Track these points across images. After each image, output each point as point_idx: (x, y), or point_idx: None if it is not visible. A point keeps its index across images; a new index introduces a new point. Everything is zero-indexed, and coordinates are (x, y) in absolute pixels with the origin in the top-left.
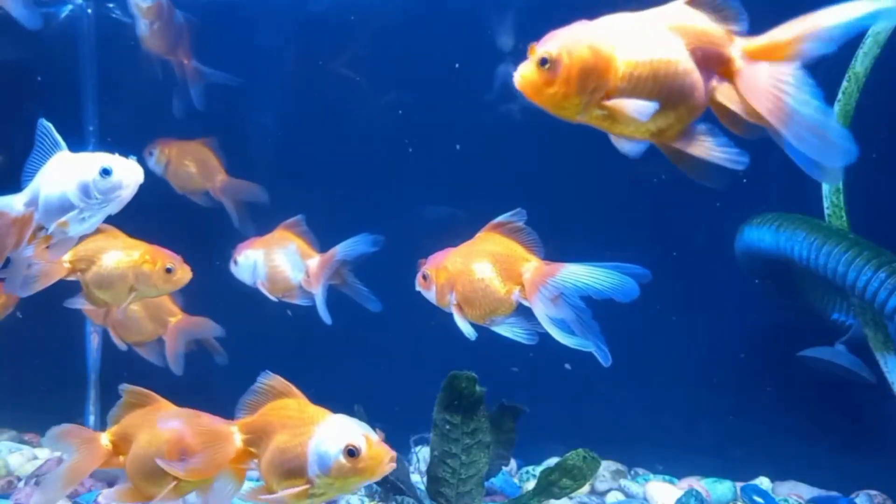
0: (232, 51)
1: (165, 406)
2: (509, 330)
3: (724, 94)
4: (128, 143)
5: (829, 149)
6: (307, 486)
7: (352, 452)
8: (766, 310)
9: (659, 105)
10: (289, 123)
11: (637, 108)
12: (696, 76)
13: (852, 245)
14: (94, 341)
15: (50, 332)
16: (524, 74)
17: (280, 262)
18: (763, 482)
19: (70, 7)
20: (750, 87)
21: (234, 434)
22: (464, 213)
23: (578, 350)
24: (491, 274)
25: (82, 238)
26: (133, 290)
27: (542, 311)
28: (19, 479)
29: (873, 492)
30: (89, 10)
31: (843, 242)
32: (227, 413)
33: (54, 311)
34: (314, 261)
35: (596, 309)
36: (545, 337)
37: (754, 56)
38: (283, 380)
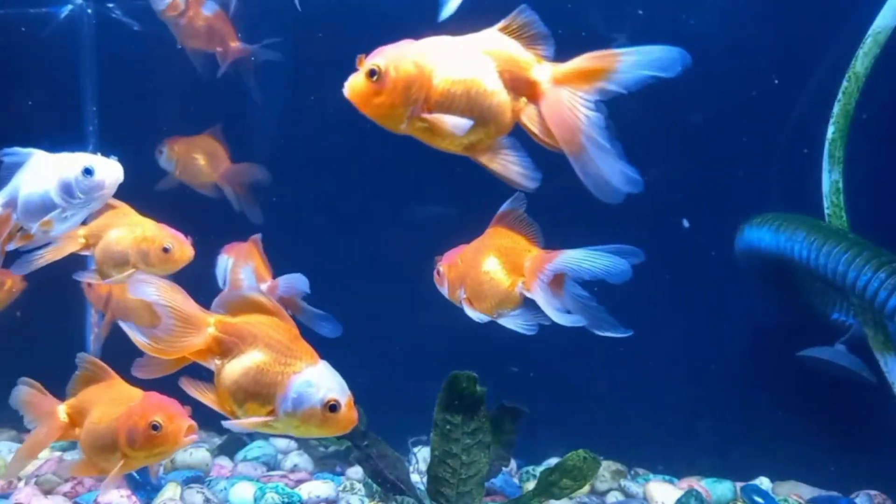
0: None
1: (119, 382)
2: (511, 322)
3: (528, 116)
4: (128, 143)
5: (605, 186)
6: (272, 418)
7: (333, 407)
8: (766, 310)
9: (472, 122)
10: (291, 119)
11: (454, 123)
12: (503, 97)
13: (852, 245)
14: (93, 340)
15: (49, 332)
16: (354, 84)
17: (240, 276)
18: (763, 482)
19: (70, 7)
20: (550, 111)
21: (209, 328)
22: (467, 213)
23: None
24: (496, 268)
25: (90, 217)
26: (133, 268)
27: (541, 296)
28: (19, 479)
29: (873, 492)
30: (89, 10)
31: (843, 242)
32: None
33: (54, 310)
34: (264, 286)
35: None
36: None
37: (560, 81)
38: (276, 303)
